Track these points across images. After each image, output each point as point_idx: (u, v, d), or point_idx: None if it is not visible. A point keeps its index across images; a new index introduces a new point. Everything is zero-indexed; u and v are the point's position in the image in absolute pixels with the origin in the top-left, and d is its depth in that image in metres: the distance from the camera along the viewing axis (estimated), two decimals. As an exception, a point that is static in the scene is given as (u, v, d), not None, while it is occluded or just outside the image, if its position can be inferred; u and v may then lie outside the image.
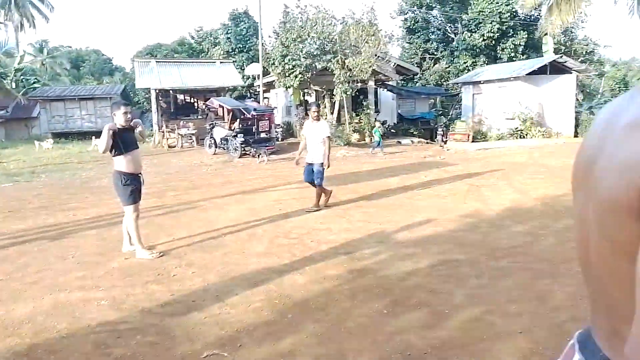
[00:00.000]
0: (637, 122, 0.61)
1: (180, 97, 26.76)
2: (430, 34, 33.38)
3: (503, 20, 28.70)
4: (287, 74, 18.30)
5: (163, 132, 20.50)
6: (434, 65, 32.06)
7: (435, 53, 32.84)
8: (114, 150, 5.41)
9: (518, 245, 5.77)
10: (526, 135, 19.98)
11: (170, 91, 23.72)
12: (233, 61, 26.99)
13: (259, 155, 15.18)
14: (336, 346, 3.50)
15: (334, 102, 19.64)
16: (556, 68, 21.05)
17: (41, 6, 37.79)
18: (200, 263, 5.37)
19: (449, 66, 31.02)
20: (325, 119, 19.19)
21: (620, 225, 0.59)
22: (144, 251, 5.59)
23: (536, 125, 20.15)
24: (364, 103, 20.95)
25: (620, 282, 0.64)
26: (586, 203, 0.61)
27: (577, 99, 23.17)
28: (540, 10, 25.29)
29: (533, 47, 29.36)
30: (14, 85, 31.05)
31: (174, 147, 19.93)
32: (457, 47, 30.88)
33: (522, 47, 29.21)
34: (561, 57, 21.53)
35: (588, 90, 30.44)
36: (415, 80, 31.57)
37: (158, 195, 9.44)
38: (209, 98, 20.02)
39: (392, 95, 25.49)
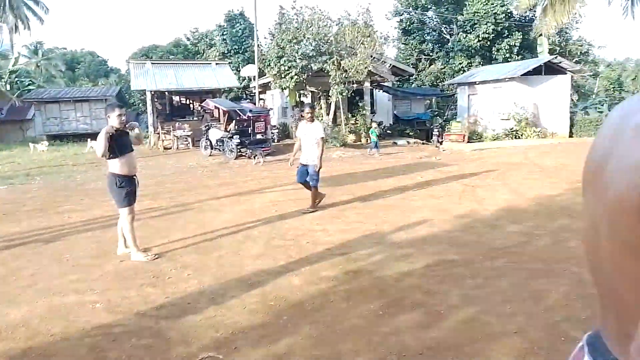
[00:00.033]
0: None
1: (176, 98, 26.72)
2: (426, 35, 33.46)
3: (498, 21, 28.80)
4: (282, 75, 18.29)
5: (158, 133, 20.45)
6: (429, 66, 32.13)
7: (431, 54, 32.92)
8: (108, 153, 5.40)
9: (513, 246, 5.79)
10: (521, 135, 20.04)
11: (166, 93, 23.69)
12: (229, 62, 26.95)
13: (254, 157, 15.18)
14: (331, 347, 3.50)
15: (330, 103, 19.65)
16: (551, 69, 21.13)
17: (36, 8, 37.67)
18: (195, 265, 5.36)
19: (445, 67, 31.10)
20: (322, 120, 19.23)
21: (631, 227, 0.59)
22: (139, 254, 5.57)
23: (531, 125, 20.22)
24: (360, 104, 20.97)
25: (631, 284, 0.64)
26: (596, 204, 0.61)
27: (572, 100, 23.25)
28: (535, 11, 25.44)
29: (528, 48, 29.48)
30: (8, 87, 30.94)
31: (170, 148, 19.89)
32: (453, 48, 30.97)
33: (517, 47, 29.32)
34: (556, 57, 21.62)
35: (583, 91, 30.58)
36: (410, 81, 31.64)
37: (153, 197, 9.42)
38: (205, 99, 20.01)
39: (388, 96, 25.53)
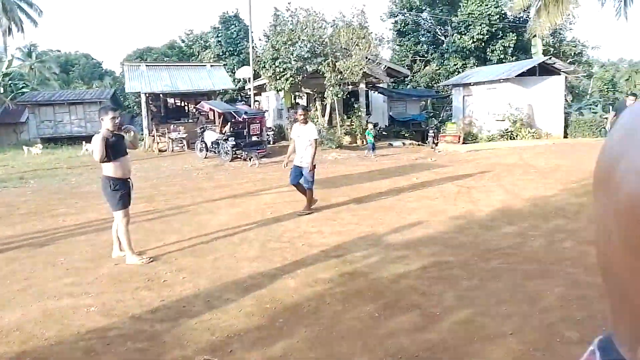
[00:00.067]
0: None
1: (171, 100, 26.65)
2: (421, 36, 33.54)
3: (492, 22, 28.91)
4: (277, 77, 18.28)
5: (153, 136, 20.39)
6: (424, 67, 32.21)
7: (426, 55, 33.00)
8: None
9: (508, 247, 5.80)
10: (516, 136, 20.10)
11: (161, 95, 23.62)
12: (224, 64, 26.91)
13: (250, 159, 15.15)
14: (327, 350, 3.49)
15: (325, 105, 19.65)
16: (545, 69, 21.22)
17: (29, 10, 37.54)
18: (191, 268, 5.34)
19: (439, 68, 31.18)
20: (317, 122, 19.23)
21: None
22: (134, 257, 5.55)
23: (526, 126, 20.29)
24: (355, 105, 20.98)
25: None
26: (607, 206, 0.60)
27: (566, 100, 23.37)
28: (528, 13, 25.49)
29: (522, 49, 29.60)
30: (1, 90, 30.77)
31: (165, 151, 19.84)
32: (447, 49, 31.06)
33: (512, 48, 29.43)
34: (550, 58, 21.72)
35: (577, 91, 30.74)
36: (406, 82, 31.68)
37: (148, 200, 9.39)
38: (200, 102, 19.96)
39: (383, 98, 25.56)
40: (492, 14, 28.78)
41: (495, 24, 29.03)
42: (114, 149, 5.41)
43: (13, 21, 35.12)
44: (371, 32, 19.19)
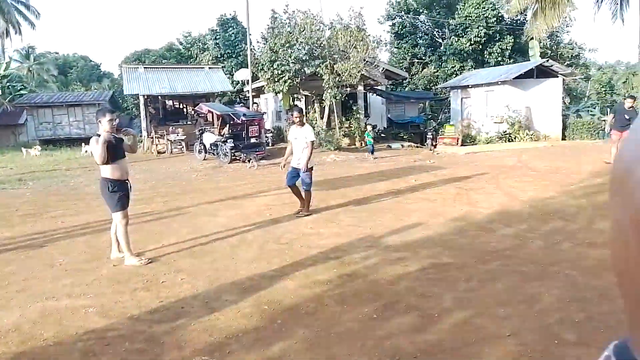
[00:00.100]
0: None
1: (169, 102, 26.68)
2: (418, 38, 33.61)
3: (489, 24, 29.00)
4: (276, 79, 18.30)
5: (152, 138, 20.39)
6: (422, 69, 32.28)
7: (424, 58, 33.08)
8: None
9: (507, 249, 5.81)
10: (514, 138, 20.15)
11: (159, 97, 23.65)
12: (222, 67, 26.95)
13: (249, 161, 15.16)
14: (325, 351, 3.50)
15: (324, 107, 19.68)
16: (543, 72, 21.30)
17: (27, 13, 37.51)
18: (189, 269, 5.34)
19: (437, 71, 31.25)
20: (316, 124, 19.26)
21: None
22: (132, 258, 5.55)
23: (524, 128, 20.35)
24: (354, 108, 21.02)
25: None
26: (624, 210, 0.61)
27: (564, 102, 23.45)
28: (525, 15, 25.59)
29: (520, 51, 29.69)
30: (0, 92, 30.74)
31: (163, 153, 19.83)
32: (445, 51, 31.13)
33: (509, 51, 29.53)
34: (547, 61, 21.81)
35: (575, 94, 30.82)
36: (404, 84, 31.75)
37: (147, 202, 9.38)
38: (198, 104, 19.98)
39: (382, 100, 25.61)
40: (490, 16, 28.87)
41: (493, 27, 29.13)
42: (113, 152, 5.42)
43: (10, 23, 35.08)
44: (369, 35, 19.25)
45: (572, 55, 31.09)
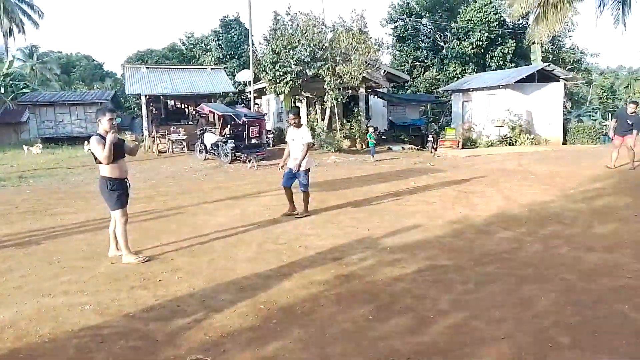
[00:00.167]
0: None
1: (171, 102, 26.73)
2: (420, 42, 33.67)
3: (491, 28, 29.02)
4: (277, 81, 18.34)
5: (153, 137, 20.43)
6: (424, 72, 32.30)
7: (425, 61, 33.11)
8: (97, 159, 5.41)
9: (504, 251, 5.81)
10: (515, 142, 20.16)
11: (161, 97, 23.70)
12: (224, 67, 27.00)
13: (249, 161, 15.18)
14: (320, 351, 3.50)
15: (325, 109, 19.71)
16: (544, 76, 21.31)
17: (30, 12, 37.67)
18: (187, 268, 5.35)
19: (439, 74, 31.28)
20: (317, 125, 19.28)
21: None
22: (130, 256, 5.56)
23: (525, 132, 20.36)
24: (355, 110, 21.05)
25: None
26: None
27: (565, 107, 23.44)
28: (527, 19, 25.59)
29: (521, 56, 29.71)
30: (2, 90, 30.84)
31: (165, 152, 19.86)
32: (447, 55, 31.17)
33: (511, 55, 29.55)
34: (549, 65, 21.81)
35: (576, 98, 30.83)
36: (405, 87, 31.78)
37: (147, 201, 9.40)
38: (200, 104, 20.02)
39: (383, 102, 25.64)
40: (491, 20, 28.90)
41: (495, 31, 29.16)
42: (115, 151, 5.44)
43: (14, 22, 35.24)
44: (371, 37, 19.28)
45: (573, 60, 31.10)
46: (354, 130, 20.20)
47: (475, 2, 29.94)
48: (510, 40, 29.44)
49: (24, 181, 12.73)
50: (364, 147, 19.53)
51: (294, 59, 17.75)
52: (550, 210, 7.95)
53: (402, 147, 20.76)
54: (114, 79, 49.40)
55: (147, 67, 24.08)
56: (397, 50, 34.31)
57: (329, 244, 6.22)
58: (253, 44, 22.87)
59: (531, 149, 18.69)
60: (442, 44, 33.11)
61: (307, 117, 20.60)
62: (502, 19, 29.33)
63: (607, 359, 3.36)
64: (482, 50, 29.57)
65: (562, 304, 4.25)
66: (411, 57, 33.07)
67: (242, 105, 24.74)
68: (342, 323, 3.96)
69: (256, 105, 23.65)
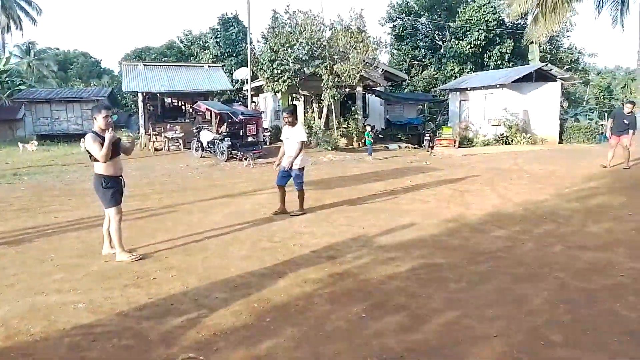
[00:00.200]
0: None
1: (168, 100, 26.65)
2: (419, 41, 33.64)
3: (490, 28, 29.02)
4: (275, 79, 18.31)
5: (150, 135, 20.38)
6: (421, 71, 32.29)
7: (423, 60, 33.11)
8: (92, 157, 5.39)
9: (498, 250, 5.82)
10: (511, 141, 20.17)
11: (158, 94, 23.62)
12: (222, 65, 26.93)
13: (245, 159, 15.16)
14: (313, 349, 3.50)
15: (322, 107, 19.70)
16: (542, 76, 21.32)
17: (28, 8, 37.52)
18: (180, 266, 5.34)
19: (437, 73, 31.27)
20: (314, 123, 19.27)
21: None
22: (124, 254, 5.54)
23: (521, 131, 20.37)
24: (352, 108, 21.03)
25: None
26: None
27: (562, 107, 23.47)
28: (526, 19, 25.65)
29: (519, 55, 29.72)
30: (-1, 86, 30.75)
31: (161, 150, 19.81)
32: (445, 54, 31.16)
33: (509, 54, 29.55)
34: (546, 65, 21.81)
35: (573, 98, 30.88)
36: (403, 86, 31.77)
37: (142, 199, 9.38)
38: (197, 102, 19.97)
39: (380, 101, 25.63)
40: (490, 20, 28.89)
41: (493, 30, 29.15)
42: (112, 150, 5.41)
43: (12, 19, 35.11)
44: (369, 36, 19.27)
45: (571, 60, 31.13)
46: (351, 129, 20.19)
47: (474, 1, 29.94)
48: (508, 39, 29.44)
49: (19, 178, 12.68)
50: (360, 145, 19.52)
51: (292, 57, 17.73)
52: (544, 209, 7.96)
53: (399, 146, 20.76)
54: (111, 76, 49.24)
55: (144, 65, 23.99)
56: (395, 49, 34.28)
57: (324, 242, 6.21)
58: (251, 42, 22.84)
59: (527, 148, 18.71)
60: (440, 43, 33.11)
61: (305, 116, 20.58)
62: (500, 18, 29.33)
63: (599, 356, 3.36)
64: (480, 50, 29.57)
65: (555, 302, 4.26)
66: (409, 56, 33.06)
67: (240, 103, 24.71)
68: (335, 321, 3.95)
69: (253, 103, 23.61)
